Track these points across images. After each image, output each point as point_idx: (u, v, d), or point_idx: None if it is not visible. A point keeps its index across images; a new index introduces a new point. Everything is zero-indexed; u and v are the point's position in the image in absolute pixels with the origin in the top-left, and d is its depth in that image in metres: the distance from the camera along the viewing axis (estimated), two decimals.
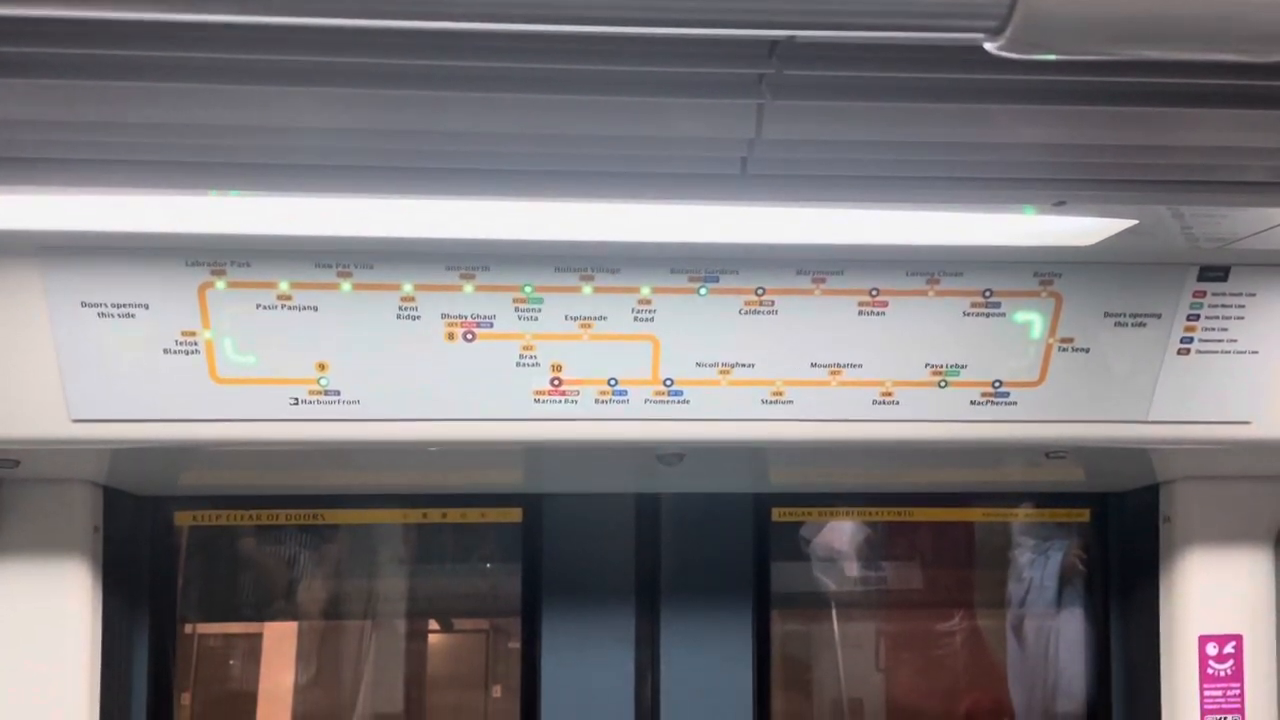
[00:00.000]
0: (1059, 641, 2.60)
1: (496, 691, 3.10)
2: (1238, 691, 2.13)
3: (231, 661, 2.59)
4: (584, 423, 1.73)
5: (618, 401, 1.73)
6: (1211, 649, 2.13)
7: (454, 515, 2.28)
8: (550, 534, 2.25)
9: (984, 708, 2.80)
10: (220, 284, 1.61)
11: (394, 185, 1.40)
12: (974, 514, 2.46)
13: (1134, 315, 1.74)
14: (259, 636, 2.74)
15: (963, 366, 1.75)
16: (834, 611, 3.08)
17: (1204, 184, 1.39)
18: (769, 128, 1.19)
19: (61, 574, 1.93)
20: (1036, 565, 2.64)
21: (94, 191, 1.44)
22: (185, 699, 2.35)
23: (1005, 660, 2.73)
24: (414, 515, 2.30)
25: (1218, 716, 2.13)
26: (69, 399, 1.63)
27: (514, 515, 2.27)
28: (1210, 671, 2.13)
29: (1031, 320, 1.74)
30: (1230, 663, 2.13)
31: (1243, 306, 1.75)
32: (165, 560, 2.19)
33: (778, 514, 2.33)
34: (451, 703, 3.02)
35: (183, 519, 2.20)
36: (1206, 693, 2.13)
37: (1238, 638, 2.13)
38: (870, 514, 2.45)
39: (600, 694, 2.20)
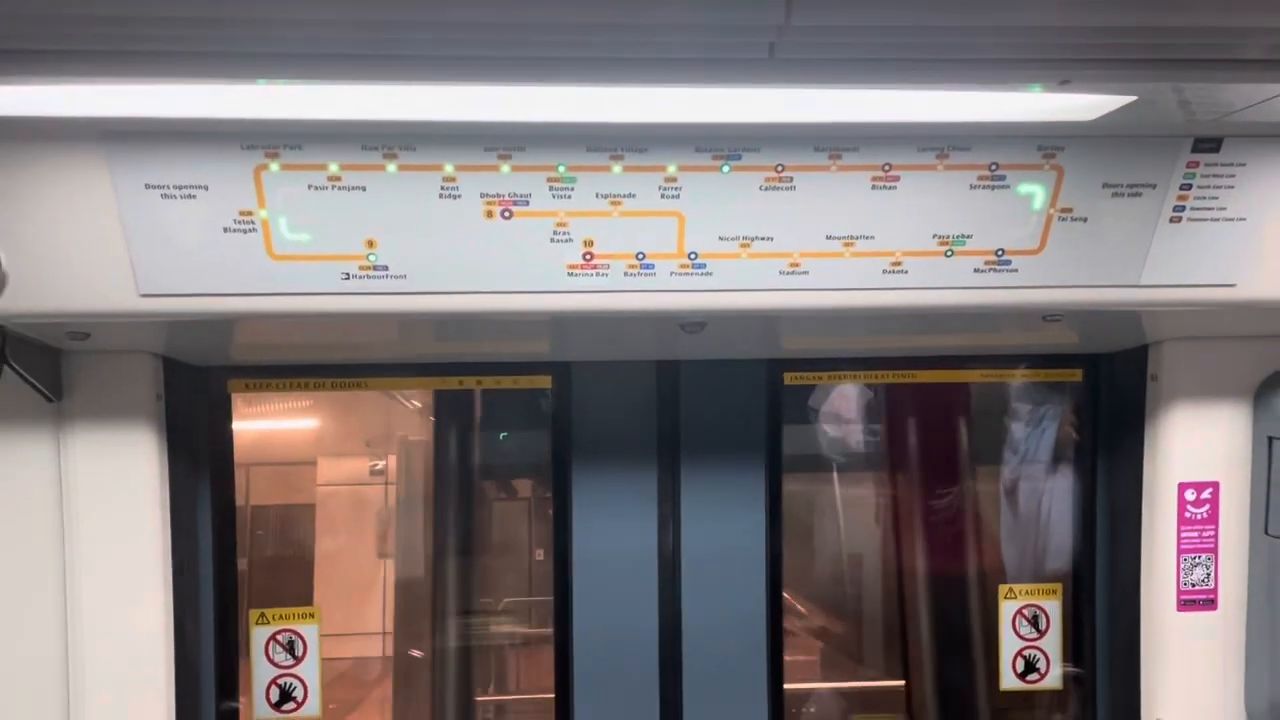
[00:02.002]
0: (1050, 498, 2.79)
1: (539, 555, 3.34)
2: (1212, 533, 2.31)
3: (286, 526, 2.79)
4: (613, 294, 1.85)
5: (645, 274, 1.85)
6: (1190, 494, 2.31)
7: (488, 382, 2.42)
8: (578, 399, 2.40)
9: (979, 556, 3.03)
10: (274, 166, 1.71)
11: (434, 73, 1.50)
12: (973, 375, 2.59)
13: (1130, 185, 1.84)
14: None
15: (968, 236, 1.86)
16: (835, 472, 3.30)
17: (1202, 62, 1.49)
18: (798, 14, 1.28)
19: (131, 438, 2.09)
20: (1031, 430, 2.82)
21: (152, 82, 1.53)
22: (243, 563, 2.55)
23: (997, 513, 2.93)
24: (450, 382, 2.44)
25: (1193, 555, 2.32)
26: (137, 275, 1.75)
27: (543, 382, 2.42)
28: (1188, 515, 2.31)
29: (1034, 192, 1.84)
30: (1207, 507, 2.31)
31: (1233, 176, 1.85)
32: (222, 425, 2.35)
33: (789, 378, 2.47)
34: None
35: (236, 387, 2.35)
36: (1183, 534, 2.31)
37: (1214, 484, 2.30)
38: (875, 376, 2.59)
39: (626, 543, 2.38)
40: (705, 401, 2.42)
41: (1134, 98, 1.59)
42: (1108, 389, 2.49)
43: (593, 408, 2.40)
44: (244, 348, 2.25)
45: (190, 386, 2.26)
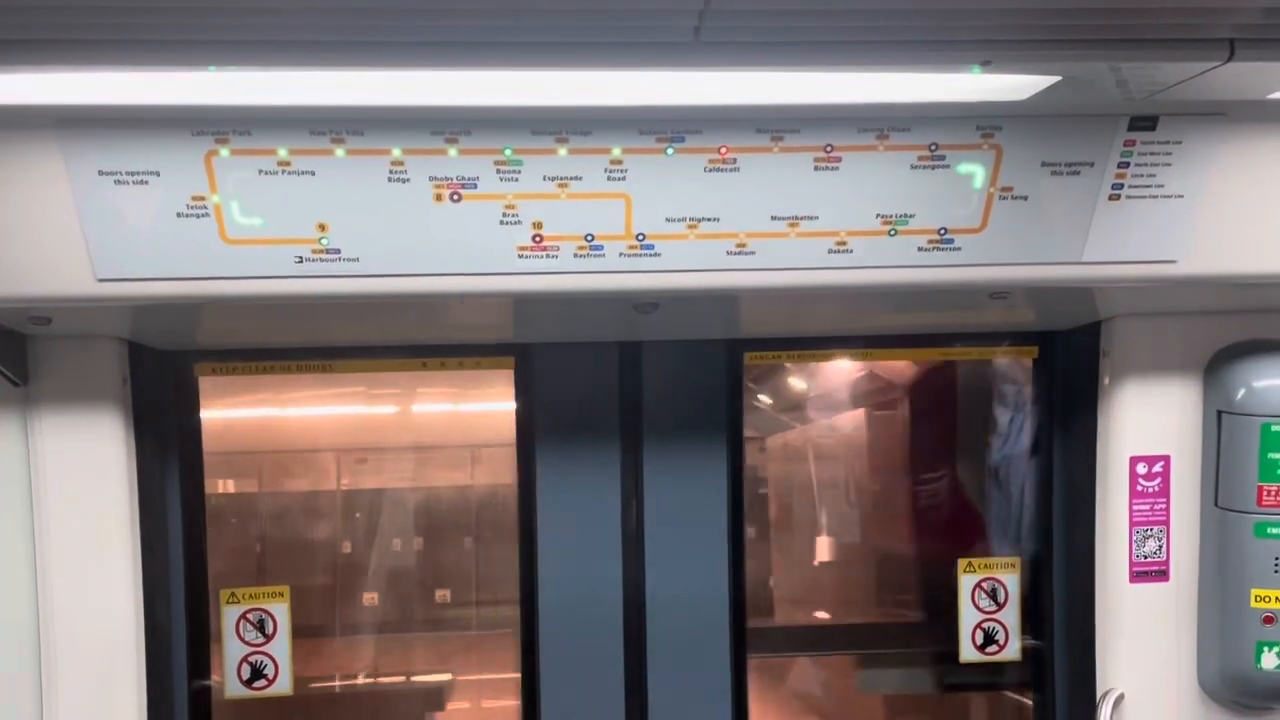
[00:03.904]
0: (1022, 478, 2.82)
1: None
2: (1164, 505, 2.35)
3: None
4: (564, 275, 1.89)
5: (594, 255, 1.88)
6: (1141, 468, 2.35)
7: (451, 365, 2.46)
8: (540, 380, 2.44)
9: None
10: (224, 151, 1.75)
11: (378, 59, 1.53)
12: (931, 354, 2.62)
13: (1069, 164, 1.88)
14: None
15: (911, 216, 1.90)
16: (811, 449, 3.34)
17: (1123, 41, 1.52)
18: None
19: (98, 421, 2.13)
20: (1014, 423, 2.85)
21: (104, 69, 1.56)
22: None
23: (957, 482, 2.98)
24: (414, 365, 2.48)
25: (1144, 527, 2.36)
26: (93, 260, 1.79)
27: (506, 365, 2.45)
28: (1140, 488, 2.35)
29: (974, 171, 1.88)
30: (1158, 480, 2.35)
31: (1170, 154, 1.88)
32: (189, 408, 2.39)
33: (749, 358, 2.50)
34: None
35: (203, 370, 2.39)
36: (1135, 506, 2.35)
37: (1166, 458, 2.34)
38: (833, 355, 2.63)
39: (590, 518, 2.42)
40: (667, 382, 2.46)
41: (1058, 77, 1.62)
42: (1063, 365, 2.53)
43: (556, 389, 2.44)
44: (209, 331, 2.28)
45: (157, 370, 2.30)
